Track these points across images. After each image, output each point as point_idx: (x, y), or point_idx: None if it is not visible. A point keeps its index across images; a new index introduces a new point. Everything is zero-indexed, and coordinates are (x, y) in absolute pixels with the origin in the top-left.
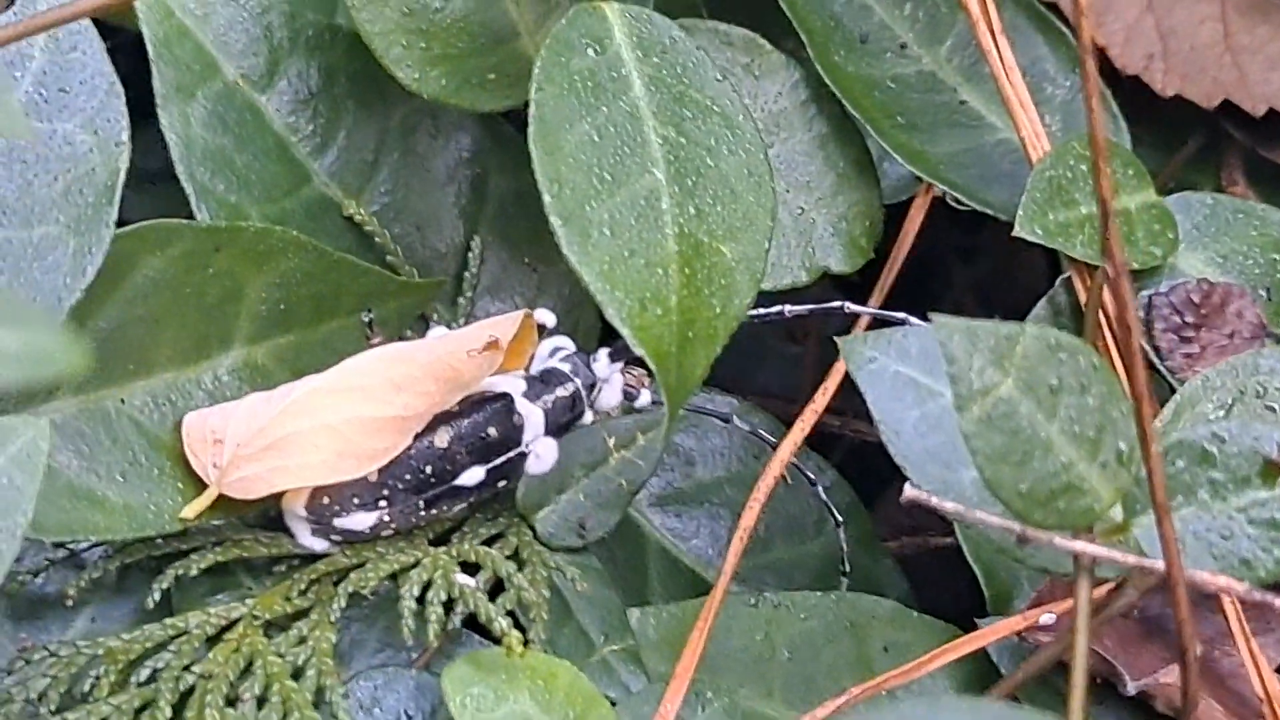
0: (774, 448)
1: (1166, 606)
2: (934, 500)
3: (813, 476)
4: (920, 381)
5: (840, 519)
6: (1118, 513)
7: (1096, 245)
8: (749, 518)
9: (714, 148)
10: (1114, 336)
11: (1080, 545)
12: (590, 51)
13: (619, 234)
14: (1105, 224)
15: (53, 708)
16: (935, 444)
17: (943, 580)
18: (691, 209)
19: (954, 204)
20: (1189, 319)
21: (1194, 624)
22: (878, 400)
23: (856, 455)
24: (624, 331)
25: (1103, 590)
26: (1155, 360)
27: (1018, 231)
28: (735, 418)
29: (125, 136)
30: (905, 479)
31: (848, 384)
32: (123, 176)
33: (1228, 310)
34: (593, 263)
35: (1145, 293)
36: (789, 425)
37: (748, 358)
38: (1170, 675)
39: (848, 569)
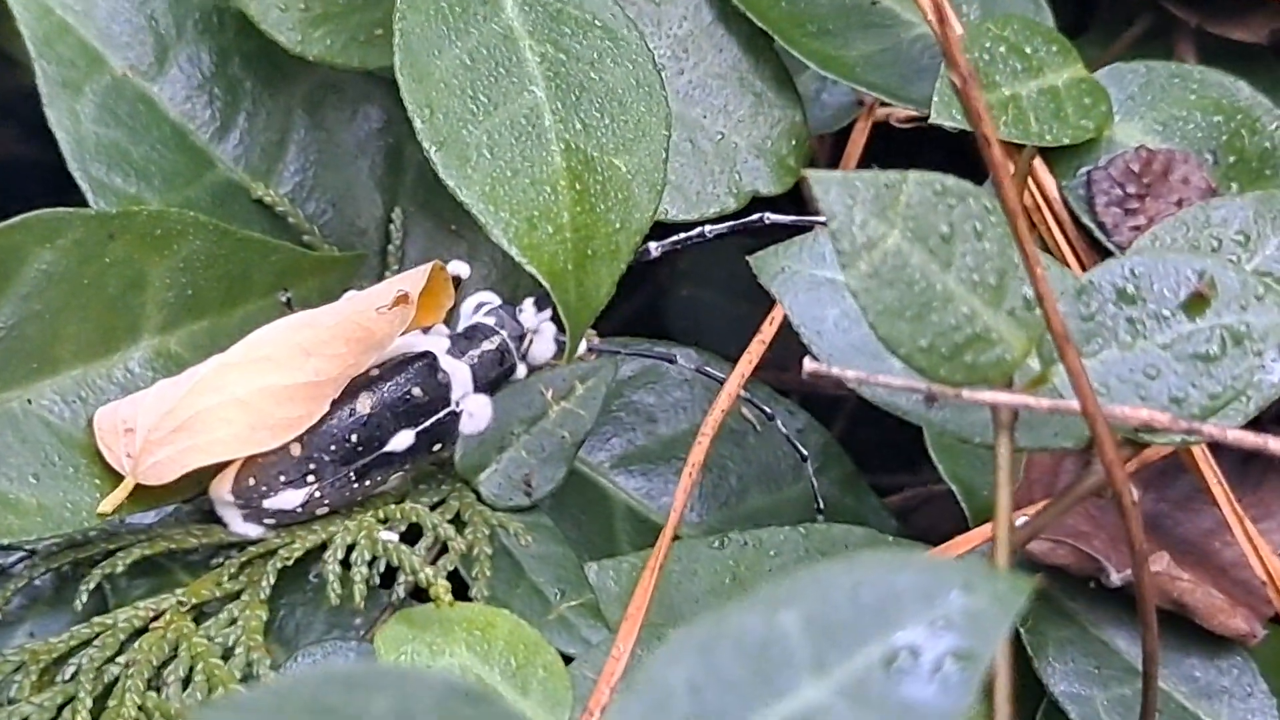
0: (721, 383)
1: (1160, 501)
2: (834, 370)
3: (769, 410)
4: (836, 280)
5: (805, 454)
6: (1035, 364)
7: (1020, 125)
8: (697, 453)
9: (597, 61)
10: (1051, 212)
11: (990, 395)
12: None
13: (499, 154)
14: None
15: None
16: (858, 338)
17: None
18: (577, 124)
19: (895, 124)
20: (1131, 189)
21: (1122, 470)
22: (794, 305)
23: (856, 423)
24: (511, 251)
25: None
26: (1102, 238)
27: (934, 119)
28: (679, 357)
29: None
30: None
31: None
32: None
33: (1172, 177)
34: (473, 185)
35: (1084, 169)
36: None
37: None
38: (1159, 563)
39: (821, 506)
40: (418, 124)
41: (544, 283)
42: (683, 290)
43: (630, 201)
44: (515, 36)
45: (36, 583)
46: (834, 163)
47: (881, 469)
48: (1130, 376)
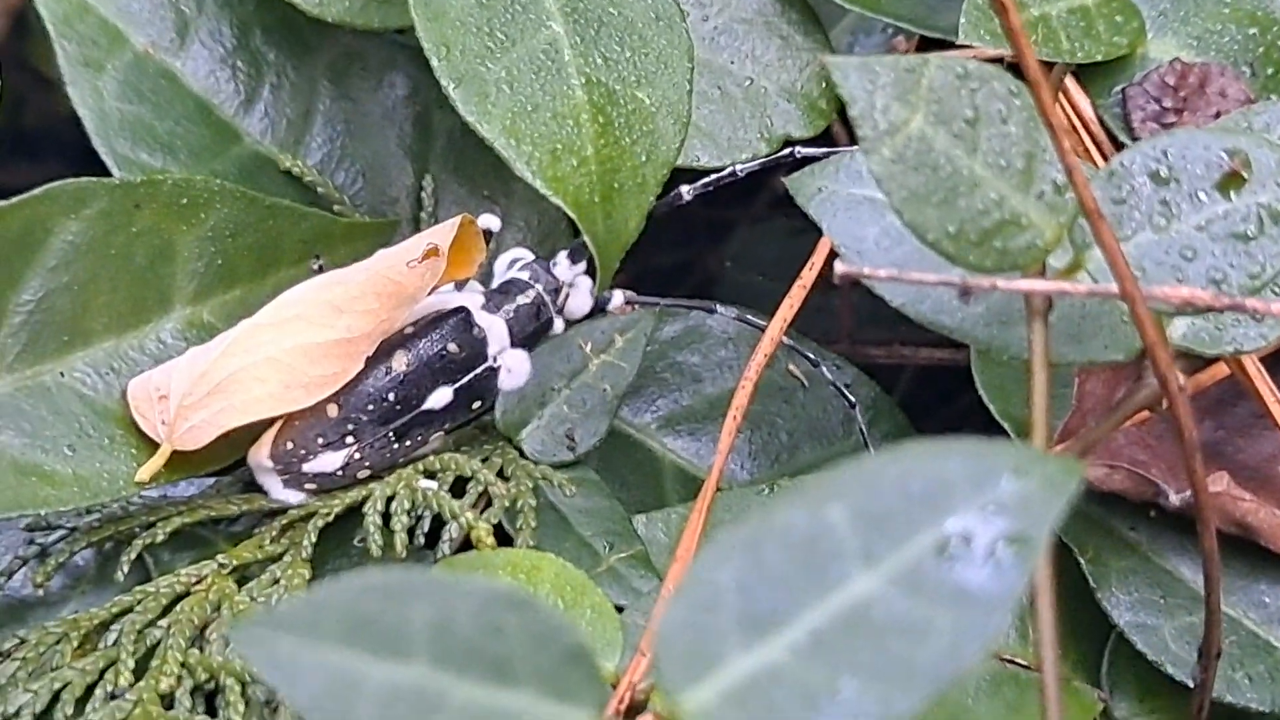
0: (763, 330)
1: (1219, 429)
2: (866, 270)
3: (813, 358)
4: (875, 198)
5: (853, 400)
6: (1067, 251)
7: (1051, 44)
8: (741, 396)
9: None
10: (1088, 133)
11: (1024, 283)
12: None
13: (519, 90)
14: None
15: (21, 688)
16: (900, 255)
17: None
18: (598, 58)
19: None
20: (1167, 104)
21: (1165, 352)
22: (833, 226)
23: (918, 386)
24: (536, 184)
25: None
26: None
27: (963, 39)
28: (719, 308)
29: None
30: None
31: (889, 316)
32: None
33: (1209, 90)
34: (493, 120)
35: (1118, 87)
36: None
37: None
38: (1219, 483)
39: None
40: (434, 62)
41: (571, 214)
42: (731, 273)
43: (655, 134)
44: None
45: (79, 561)
46: None
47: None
48: (1166, 259)
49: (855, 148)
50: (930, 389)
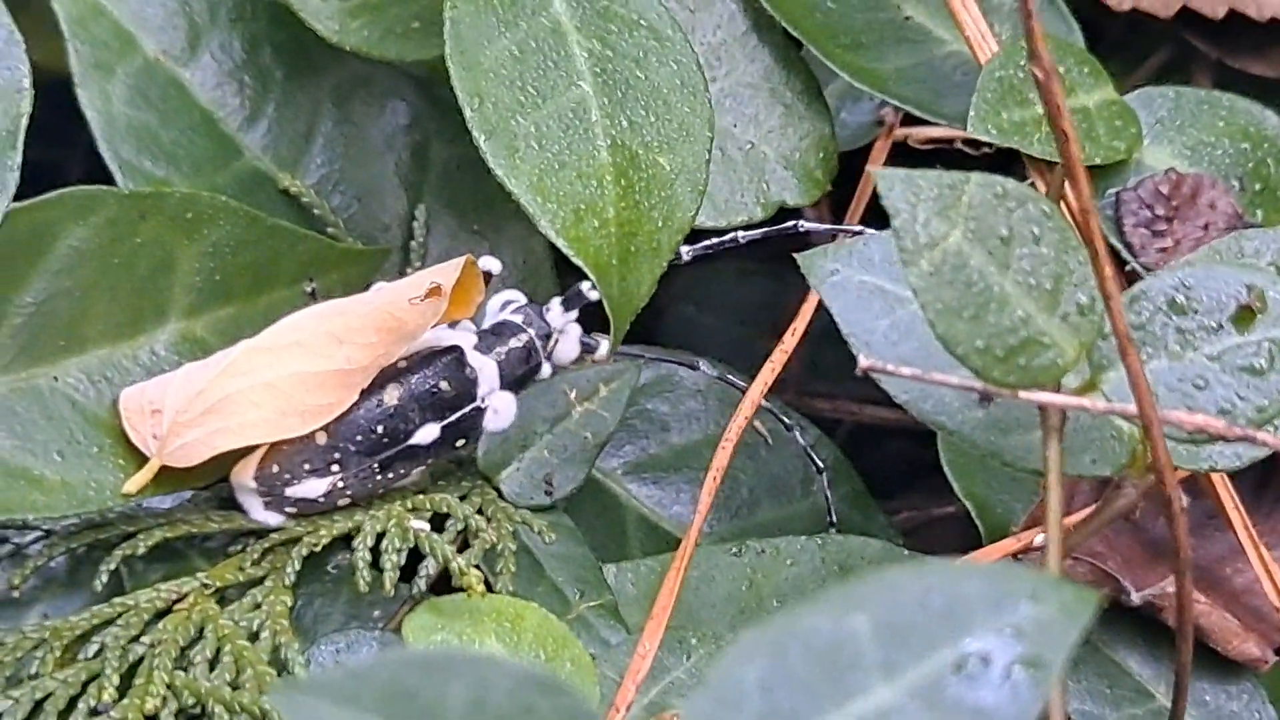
0: (744, 391)
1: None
2: (889, 368)
3: (788, 421)
4: (887, 289)
5: (821, 465)
6: (1085, 370)
7: (1053, 144)
8: (721, 458)
9: (643, 60)
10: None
11: (1045, 396)
12: None
13: (547, 146)
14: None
15: (2, 694)
16: (908, 351)
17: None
18: (623, 121)
19: (914, 145)
20: (1160, 211)
21: (1174, 476)
22: (843, 312)
23: (856, 440)
24: (559, 243)
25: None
26: (1129, 258)
27: (971, 132)
28: (703, 364)
29: (26, 83)
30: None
31: (836, 369)
32: (25, 122)
33: (1200, 201)
34: (521, 175)
35: (1112, 190)
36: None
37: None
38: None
39: (834, 520)
40: (468, 112)
41: (590, 276)
42: (679, 310)
43: (673, 200)
44: (563, 31)
45: (52, 564)
46: (853, 180)
47: (878, 493)
48: (1179, 386)
49: (860, 228)
50: (867, 442)
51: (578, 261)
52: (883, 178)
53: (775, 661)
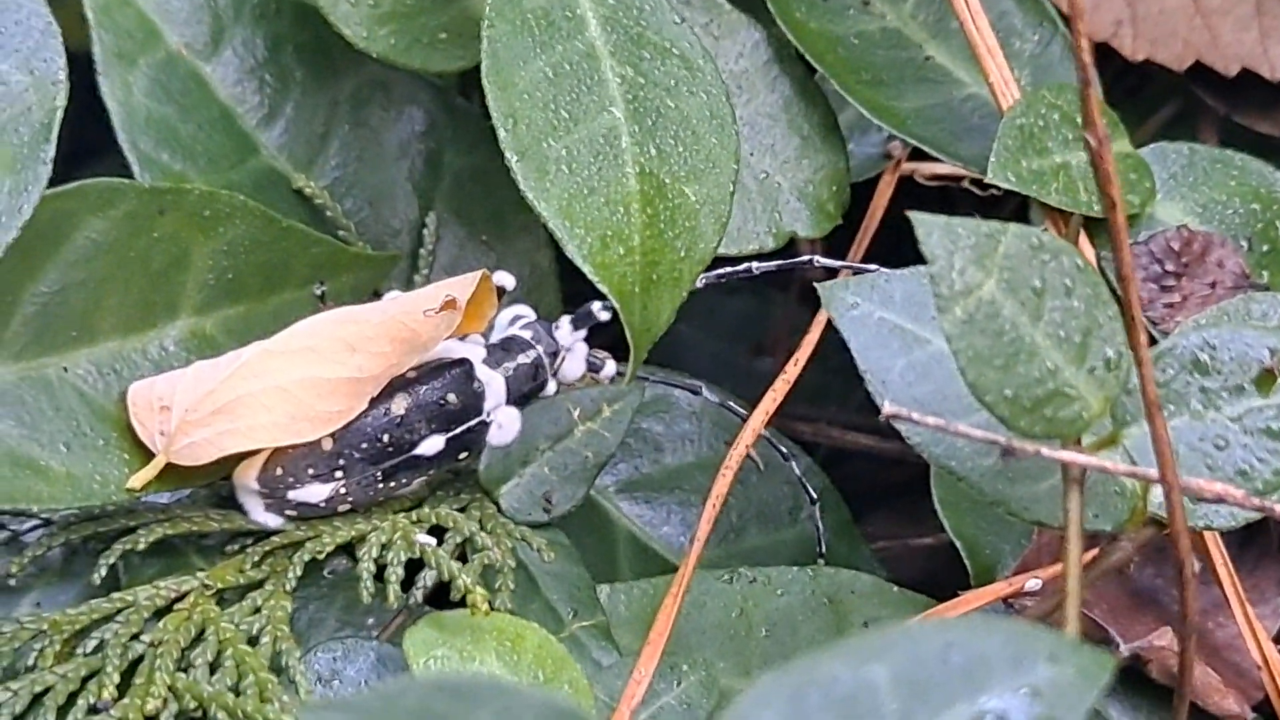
0: (744, 419)
1: (1158, 576)
2: (914, 415)
3: (785, 450)
4: (906, 328)
5: (814, 496)
6: (1107, 424)
7: (1070, 193)
8: (721, 485)
9: (674, 89)
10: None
11: (1068, 454)
12: None
13: (577, 170)
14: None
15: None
16: (924, 393)
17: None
18: (652, 149)
19: (921, 181)
20: (1169, 267)
21: (1188, 540)
22: (862, 348)
23: (833, 462)
24: (585, 269)
25: (1092, 554)
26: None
27: (990, 178)
28: (705, 390)
29: (62, 75)
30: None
31: (817, 392)
32: (60, 115)
33: (1209, 259)
34: (551, 199)
35: None
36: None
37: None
38: (1164, 639)
39: (824, 550)
40: (501, 133)
41: (614, 303)
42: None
43: (696, 231)
44: (598, 55)
45: (48, 553)
46: (859, 214)
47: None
48: (1199, 445)
49: (869, 266)
50: (835, 462)
51: (602, 288)
52: (921, 223)
53: (793, 708)
